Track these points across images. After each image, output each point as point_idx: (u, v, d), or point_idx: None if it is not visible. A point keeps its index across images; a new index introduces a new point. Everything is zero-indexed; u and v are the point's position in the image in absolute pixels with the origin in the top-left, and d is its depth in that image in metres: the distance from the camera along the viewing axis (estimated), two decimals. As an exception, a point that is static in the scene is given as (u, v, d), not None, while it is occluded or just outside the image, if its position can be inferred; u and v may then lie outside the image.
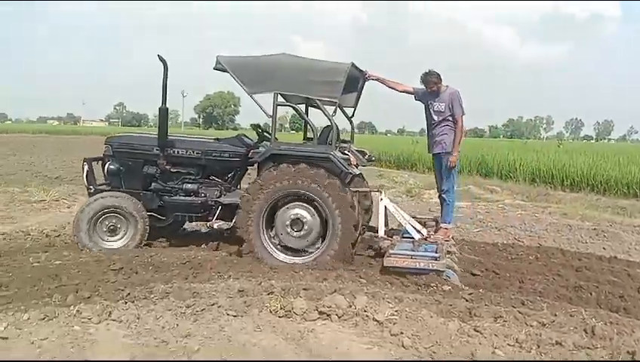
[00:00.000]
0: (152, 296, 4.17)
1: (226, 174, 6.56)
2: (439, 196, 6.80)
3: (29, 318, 3.68)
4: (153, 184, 6.41)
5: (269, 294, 4.27)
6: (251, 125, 7.25)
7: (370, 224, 6.74)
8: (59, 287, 4.45)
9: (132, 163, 6.42)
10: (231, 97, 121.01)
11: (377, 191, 6.21)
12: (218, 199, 6.22)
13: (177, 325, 3.70)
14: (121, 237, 6.10)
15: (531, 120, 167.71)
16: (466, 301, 4.27)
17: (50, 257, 5.56)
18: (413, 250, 5.54)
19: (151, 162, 6.39)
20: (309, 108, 6.68)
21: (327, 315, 3.95)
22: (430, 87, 6.41)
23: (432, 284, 4.67)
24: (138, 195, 6.26)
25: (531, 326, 3.74)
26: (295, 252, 5.73)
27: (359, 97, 6.88)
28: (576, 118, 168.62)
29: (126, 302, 4.01)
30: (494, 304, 4.21)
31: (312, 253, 5.68)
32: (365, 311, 3.93)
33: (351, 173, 5.80)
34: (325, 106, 5.92)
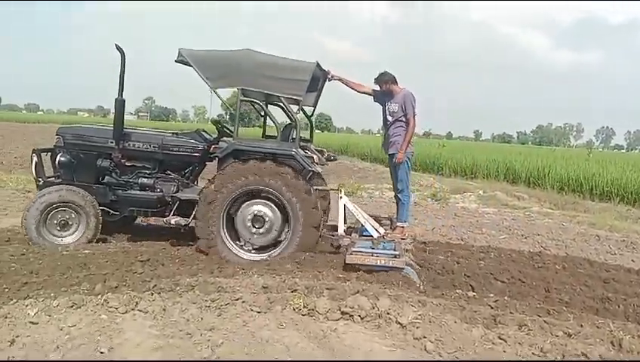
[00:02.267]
0: (178, 288, 4.23)
1: (184, 169, 6.43)
2: (395, 196, 6.96)
3: (58, 305, 3.76)
4: (107, 177, 6.24)
5: (292, 292, 4.28)
6: (211, 120, 7.17)
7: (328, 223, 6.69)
8: (87, 276, 4.57)
9: (85, 155, 6.22)
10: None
11: (337, 190, 6.22)
12: (175, 194, 6.06)
13: (202, 318, 3.74)
14: (73, 233, 5.90)
15: (561, 127, 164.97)
16: (491, 308, 4.23)
17: (79, 246, 5.68)
18: (372, 248, 5.59)
19: (105, 155, 6.20)
20: (269, 105, 6.65)
21: (350, 316, 3.94)
22: (381, 87, 6.64)
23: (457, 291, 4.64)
24: (90, 189, 6.06)
25: (557, 336, 3.68)
26: (256, 249, 5.74)
27: (319, 97, 6.95)
28: (607, 127, 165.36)
29: (152, 294, 4.07)
30: (519, 312, 4.17)
31: (274, 249, 5.69)
32: (388, 314, 3.91)
33: (313, 171, 5.80)
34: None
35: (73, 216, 5.87)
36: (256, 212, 5.64)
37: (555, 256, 6.80)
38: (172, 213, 5.95)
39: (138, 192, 6.15)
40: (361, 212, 6.18)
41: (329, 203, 6.85)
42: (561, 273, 5.91)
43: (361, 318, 3.91)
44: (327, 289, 4.34)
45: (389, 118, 6.70)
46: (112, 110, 6.21)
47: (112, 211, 6.15)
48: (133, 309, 3.81)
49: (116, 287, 4.21)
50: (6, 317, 3.54)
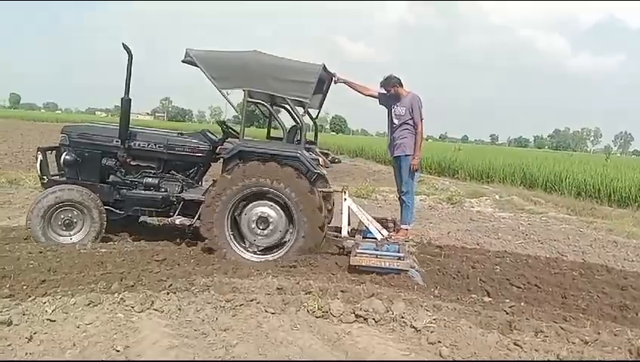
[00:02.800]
0: (193, 288, 4.26)
1: (189, 169, 6.44)
2: (399, 198, 6.95)
3: (75, 303, 3.81)
4: (111, 176, 6.24)
5: (306, 294, 4.29)
6: (217, 121, 7.16)
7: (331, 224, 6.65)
8: (104, 275, 4.61)
9: (90, 154, 6.20)
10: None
11: (341, 191, 6.18)
12: (180, 194, 6.08)
13: (217, 318, 3.77)
14: (77, 232, 5.90)
15: (578, 132, 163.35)
16: (507, 313, 4.20)
17: (96, 245, 5.74)
18: (376, 250, 5.61)
19: (110, 154, 6.20)
20: (274, 107, 6.62)
21: (364, 319, 3.94)
22: (388, 90, 6.67)
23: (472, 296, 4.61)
24: (95, 188, 6.07)
25: (573, 343, 3.64)
26: (261, 249, 5.73)
27: (324, 99, 6.96)
28: (626, 132, 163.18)
29: (168, 293, 4.10)
30: (535, 318, 4.12)
31: (278, 250, 5.68)
32: (403, 318, 3.91)
33: (319, 173, 5.79)
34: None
35: (78, 215, 5.87)
36: (260, 213, 5.64)
37: (572, 262, 6.72)
38: (177, 213, 5.97)
39: (143, 192, 6.16)
40: (365, 214, 6.18)
41: (333, 204, 6.85)
42: (578, 279, 5.84)
43: (376, 321, 3.91)
44: (341, 291, 4.34)
45: (396, 121, 6.73)
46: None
47: (116, 210, 6.15)
48: (149, 308, 3.85)
49: (132, 286, 4.25)
50: (24, 314, 3.59)
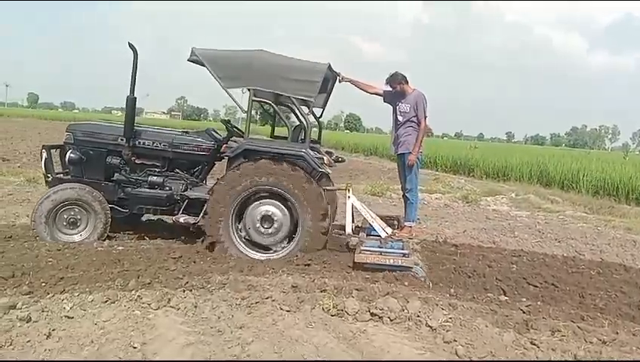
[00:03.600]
0: (209, 285, 4.29)
1: (193, 168, 6.42)
2: (403, 195, 6.93)
3: (93, 300, 3.85)
4: (116, 175, 6.21)
5: (321, 292, 4.30)
6: (221, 120, 7.14)
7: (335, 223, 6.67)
8: (121, 272, 4.65)
9: (95, 152, 6.19)
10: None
11: (345, 189, 6.15)
12: (184, 193, 6.05)
13: (232, 316, 3.78)
14: (82, 231, 5.90)
15: (596, 129, 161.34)
16: (523, 312, 4.18)
17: (113, 243, 5.80)
18: (381, 247, 5.60)
19: (115, 152, 6.20)
20: (279, 106, 6.62)
21: (380, 317, 3.94)
22: (394, 87, 6.66)
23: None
24: (99, 186, 6.07)
25: (591, 342, 3.62)
26: (265, 248, 5.73)
27: (328, 99, 6.93)
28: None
29: (184, 291, 4.14)
30: (552, 317, 4.10)
31: (282, 249, 5.68)
32: (418, 316, 3.90)
33: (324, 172, 5.80)
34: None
35: (83, 214, 5.88)
36: (265, 212, 5.65)
37: (589, 261, 6.65)
38: (181, 212, 5.96)
39: (147, 190, 6.14)
40: (369, 211, 6.18)
41: (336, 202, 6.84)
42: (595, 278, 5.78)
43: (391, 320, 3.90)
44: (356, 289, 4.34)
45: (400, 118, 6.74)
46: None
47: (120, 209, 6.14)
48: (165, 305, 3.88)
49: (149, 283, 4.29)
50: (43, 311, 3.63)
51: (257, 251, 5.70)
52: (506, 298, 4.72)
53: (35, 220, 5.74)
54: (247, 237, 5.72)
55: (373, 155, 31.86)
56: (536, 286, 5.27)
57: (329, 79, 6.40)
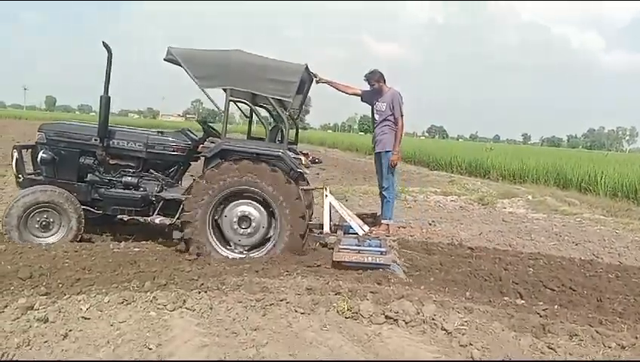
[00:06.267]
0: (224, 287, 4.29)
1: (168, 168, 6.35)
2: (380, 193, 7.09)
3: (109, 301, 3.88)
4: (90, 175, 6.12)
5: (336, 294, 4.28)
6: (197, 120, 7.11)
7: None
8: (137, 273, 4.68)
9: (68, 152, 6.09)
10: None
11: (322, 188, 6.21)
12: (160, 193, 5.97)
13: (247, 318, 3.78)
14: (55, 233, 5.81)
15: (613, 131, 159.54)
16: (540, 316, 4.12)
17: (129, 244, 5.84)
18: (358, 245, 5.64)
19: (88, 153, 6.11)
20: (255, 106, 6.60)
21: (394, 320, 3.91)
22: (372, 85, 6.81)
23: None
24: (72, 187, 5.98)
25: (610, 347, 3.56)
26: (242, 248, 5.71)
27: (304, 100, 6.91)
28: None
29: (199, 292, 4.14)
30: (570, 321, 4.04)
31: (260, 250, 5.66)
32: (434, 319, 3.86)
33: (301, 172, 5.81)
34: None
35: (55, 216, 5.79)
36: (242, 212, 5.63)
37: (607, 265, 6.56)
38: (156, 213, 5.92)
39: (122, 191, 6.06)
40: (346, 210, 6.26)
41: (312, 201, 6.81)
42: (614, 282, 5.70)
43: (406, 323, 3.87)
44: (370, 292, 4.32)
45: (377, 117, 6.89)
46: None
47: (93, 210, 6.03)
48: (180, 307, 3.88)
49: (165, 285, 4.31)
50: (60, 312, 3.67)
51: (234, 251, 5.68)
52: (522, 301, 4.67)
53: (7, 224, 5.65)
54: (224, 238, 5.69)
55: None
56: (554, 290, 5.21)
57: (305, 81, 6.36)
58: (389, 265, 5.22)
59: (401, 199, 11.75)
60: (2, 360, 3.00)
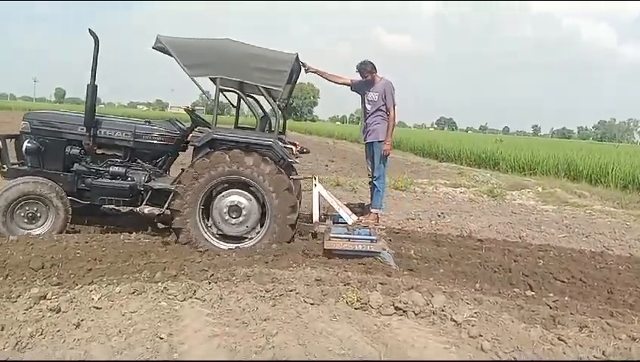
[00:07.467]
0: (234, 278, 4.31)
1: (156, 158, 6.30)
2: (370, 183, 7.13)
3: (120, 291, 3.91)
4: (76, 165, 6.03)
5: (345, 285, 4.29)
6: (185, 109, 6.96)
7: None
8: (148, 264, 4.73)
9: (53, 142, 6.01)
10: (311, 89, 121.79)
11: (311, 178, 6.25)
12: (148, 183, 5.91)
13: (257, 308, 3.80)
14: (41, 225, 5.74)
15: (624, 122, 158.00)
16: (550, 308, 4.11)
17: (140, 236, 5.88)
18: (348, 234, 5.68)
19: (75, 142, 6.02)
20: (242, 95, 6.59)
21: (404, 311, 3.91)
22: (365, 76, 6.78)
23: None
24: (58, 177, 5.90)
25: (620, 339, 3.54)
26: (234, 238, 5.69)
27: (292, 90, 6.96)
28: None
29: (210, 283, 4.17)
30: (580, 313, 4.03)
31: (250, 240, 5.66)
32: (443, 311, 3.86)
33: (291, 162, 5.82)
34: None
35: (42, 208, 5.73)
36: (232, 202, 5.61)
37: (618, 257, 6.53)
38: (144, 203, 5.86)
39: (109, 181, 5.98)
40: (335, 199, 6.30)
41: (300, 191, 6.84)
42: (624, 274, 5.68)
43: (415, 314, 3.88)
44: (379, 283, 4.32)
45: (368, 107, 6.87)
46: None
47: (79, 200, 5.98)
48: (191, 297, 3.91)
49: (175, 276, 4.34)
50: (72, 302, 3.70)
51: (224, 241, 5.67)
52: (532, 293, 4.67)
53: None
54: (214, 228, 5.69)
55: (395, 149, 31.64)
56: (564, 282, 5.20)
57: (294, 71, 6.30)
58: (380, 253, 5.28)
59: (409, 191, 11.76)
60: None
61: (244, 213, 5.62)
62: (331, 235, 5.52)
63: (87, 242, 5.37)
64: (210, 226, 5.69)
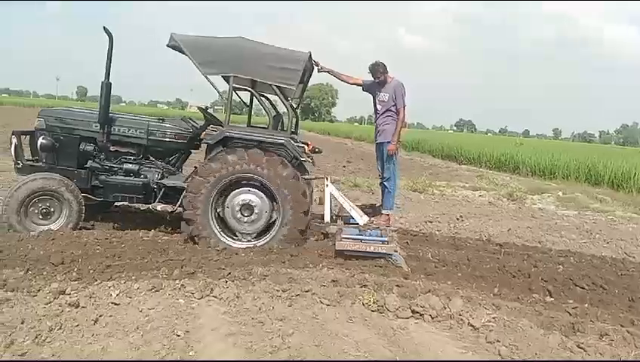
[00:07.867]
0: (251, 277, 4.33)
1: (169, 156, 6.33)
2: (380, 183, 7.16)
3: (138, 288, 3.95)
4: (90, 162, 6.05)
5: (362, 287, 4.29)
6: (198, 108, 6.88)
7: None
8: (166, 261, 4.75)
9: (68, 139, 6.03)
10: (329, 89, 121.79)
11: (323, 177, 6.18)
12: (161, 181, 5.93)
13: (273, 307, 3.81)
14: (56, 220, 5.73)
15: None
16: (570, 315, 4.06)
17: (159, 233, 5.92)
18: (360, 235, 5.65)
19: (89, 139, 6.05)
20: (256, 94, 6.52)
21: (421, 315, 3.90)
22: (377, 77, 6.82)
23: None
24: (72, 173, 5.91)
25: (641, 348, 3.48)
26: (244, 237, 5.67)
27: (305, 89, 6.89)
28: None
29: (227, 281, 4.19)
30: (600, 321, 3.97)
31: (262, 239, 5.62)
32: (460, 315, 3.84)
33: (304, 161, 5.78)
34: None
35: (56, 204, 5.73)
36: (244, 200, 5.59)
37: (640, 264, 6.41)
38: (157, 200, 5.91)
39: (122, 178, 6.01)
40: (347, 200, 6.24)
41: (312, 191, 6.74)
42: (647, 282, 5.57)
43: (432, 318, 3.86)
44: (396, 286, 4.31)
45: (379, 108, 6.91)
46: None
47: (93, 197, 5.99)
48: (208, 295, 3.94)
49: (193, 273, 4.37)
50: (90, 297, 3.75)
51: (236, 239, 5.66)
52: (551, 299, 4.60)
53: (7, 212, 5.59)
54: (226, 225, 5.67)
55: (414, 150, 31.53)
56: (584, 288, 5.10)
57: (307, 69, 6.26)
58: (392, 255, 5.27)
59: (428, 193, 11.68)
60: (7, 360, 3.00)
61: (255, 211, 5.62)
62: (343, 236, 5.51)
63: (106, 238, 5.42)
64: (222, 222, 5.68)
